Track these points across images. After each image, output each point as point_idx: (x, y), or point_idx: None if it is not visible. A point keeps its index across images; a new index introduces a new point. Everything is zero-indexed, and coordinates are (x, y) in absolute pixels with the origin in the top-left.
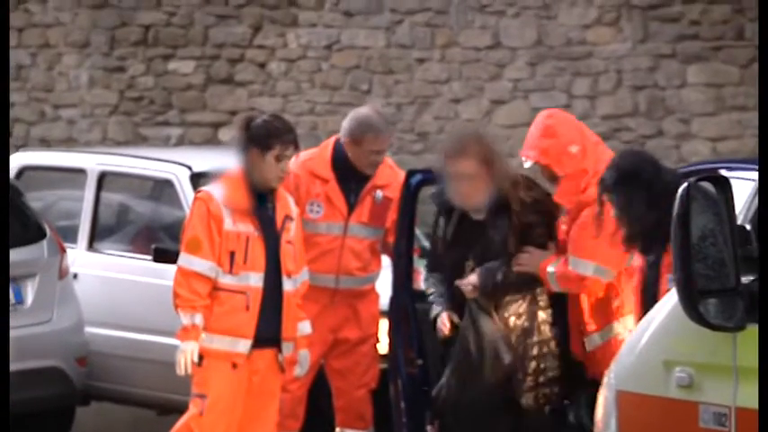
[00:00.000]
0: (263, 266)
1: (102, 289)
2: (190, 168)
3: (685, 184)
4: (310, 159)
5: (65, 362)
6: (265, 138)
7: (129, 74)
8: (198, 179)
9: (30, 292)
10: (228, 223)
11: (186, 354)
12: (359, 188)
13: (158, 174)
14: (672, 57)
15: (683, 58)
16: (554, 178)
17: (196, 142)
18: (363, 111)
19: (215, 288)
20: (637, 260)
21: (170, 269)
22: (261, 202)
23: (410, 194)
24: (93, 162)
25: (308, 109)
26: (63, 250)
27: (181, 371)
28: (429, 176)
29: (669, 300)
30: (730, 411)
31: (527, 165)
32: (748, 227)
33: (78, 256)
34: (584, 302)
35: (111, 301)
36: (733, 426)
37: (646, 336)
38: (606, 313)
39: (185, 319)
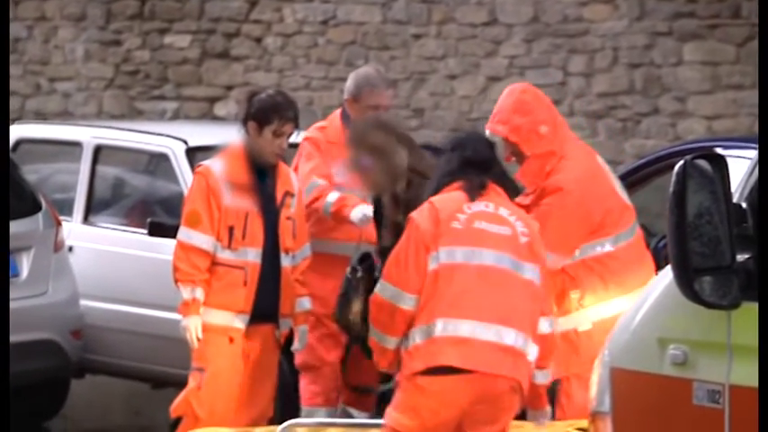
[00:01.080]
0: (261, 242)
1: (98, 262)
2: (185, 142)
3: (682, 162)
4: (324, 128)
5: (60, 335)
6: (265, 112)
7: (124, 47)
8: (193, 153)
9: (25, 264)
10: (228, 198)
11: (191, 329)
12: None
13: (154, 148)
14: (668, 35)
15: (680, 36)
16: (518, 156)
17: (192, 116)
18: (362, 69)
19: (213, 263)
20: (603, 249)
21: (165, 243)
22: (261, 177)
23: None
24: (88, 135)
25: (303, 84)
26: (58, 223)
27: (194, 345)
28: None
29: (664, 277)
30: (724, 389)
31: (495, 139)
32: (744, 205)
33: (74, 229)
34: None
35: (106, 274)
36: (726, 403)
37: (640, 313)
38: (561, 304)
39: (186, 293)
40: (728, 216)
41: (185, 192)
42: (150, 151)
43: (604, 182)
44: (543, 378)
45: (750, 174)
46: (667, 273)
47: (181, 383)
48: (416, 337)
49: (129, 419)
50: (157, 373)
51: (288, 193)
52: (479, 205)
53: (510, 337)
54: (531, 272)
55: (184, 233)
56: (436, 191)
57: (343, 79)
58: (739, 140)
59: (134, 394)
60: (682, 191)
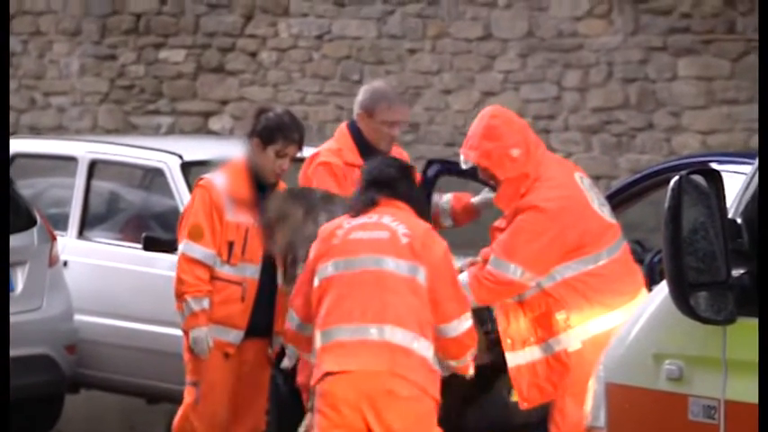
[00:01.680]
0: (260, 258)
1: (92, 277)
2: (180, 157)
3: (677, 177)
4: (340, 150)
5: (54, 349)
6: (270, 131)
7: (119, 62)
8: (189, 168)
9: (20, 279)
10: (229, 213)
11: (203, 340)
12: None
13: (149, 162)
14: (663, 50)
15: (674, 51)
16: (493, 180)
17: (186, 131)
18: (375, 83)
19: (211, 277)
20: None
21: (160, 257)
22: (261, 193)
23: (428, 184)
24: (83, 150)
25: (298, 99)
26: (53, 238)
27: (205, 356)
28: (446, 168)
29: (659, 293)
30: (719, 404)
31: (466, 165)
32: (739, 220)
33: (68, 244)
34: (521, 317)
35: (100, 289)
36: (722, 418)
37: (636, 328)
38: (548, 326)
39: (194, 305)
40: (724, 231)
41: (180, 207)
42: (145, 166)
43: (581, 203)
44: (461, 362)
45: (745, 189)
46: (663, 288)
47: (175, 398)
48: (313, 356)
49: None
50: (152, 387)
51: None
52: (362, 219)
53: (384, 332)
54: (411, 270)
55: (188, 246)
56: (348, 211)
57: (339, 94)
58: (734, 155)
59: (129, 409)
60: (677, 206)
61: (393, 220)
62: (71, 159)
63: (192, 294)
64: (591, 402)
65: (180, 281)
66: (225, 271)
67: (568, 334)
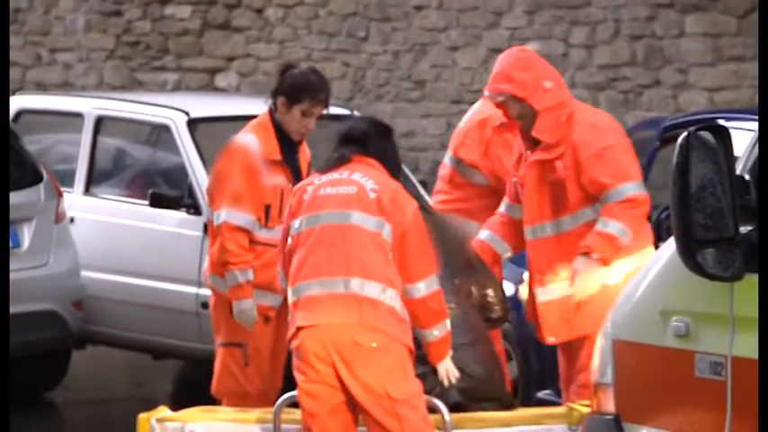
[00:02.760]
0: None
1: (99, 233)
2: (187, 114)
3: (685, 134)
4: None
5: (61, 305)
6: (296, 90)
7: (125, 18)
8: (195, 124)
9: (26, 235)
10: (264, 175)
11: (248, 312)
12: None
13: (155, 119)
14: (670, 6)
15: (681, 8)
16: (525, 114)
17: (192, 88)
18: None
19: (251, 242)
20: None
21: (166, 214)
22: (290, 152)
23: None
24: (89, 106)
25: (304, 56)
26: (60, 194)
27: (252, 328)
28: None
29: (667, 249)
30: (726, 361)
31: (500, 98)
32: (747, 177)
33: (75, 200)
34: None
35: (107, 245)
36: (729, 375)
37: (643, 285)
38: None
39: (240, 276)
40: (731, 188)
41: (187, 163)
42: (152, 122)
43: None
44: (431, 337)
45: (753, 145)
46: (670, 245)
47: (181, 354)
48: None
49: (131, 390)
50: (158, 343)
51: (309, 166)
52: (333, 174)
53: (350, 285)
54: (377, 225)
55: (230, 214)
56: (323, 167)
57: (345, 51)
58: (741, 112)
59: (135, 365)
60: (685, 163)
61: (362, 176)
62: (77, 115)
63: (238, 266)
64: (598, 359)
65: (224, 250)
66: (263, 234)
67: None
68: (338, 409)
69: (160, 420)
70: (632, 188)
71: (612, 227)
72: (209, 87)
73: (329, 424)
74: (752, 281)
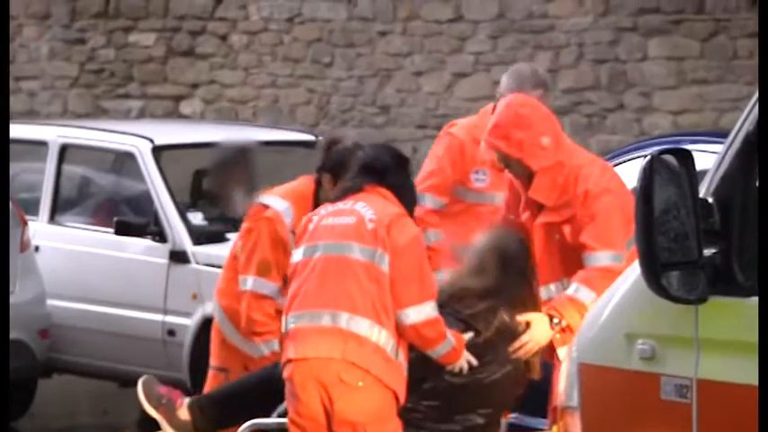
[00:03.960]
0: None
1: (64, 261)
2: (152, 141)
3: (648, 157)
4: (474, 126)
5: (27, 334)
6: (341, 166)
7: (89, 46)
8: (160, 152)
9: None
10: (293, 247)
11: None
12: None
13: (120, 146)
14: (633, 30)
15: (644, 32)
16: (521, 172)
17: (157, 115)
18: (524, 66)
19: (276, 310)
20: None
21: (132, 242)
22: None
23: None
24: (54, 134)
25: (269, 82)
26: (24, 223)
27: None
28: None
29: (631, 273)
30: (692, 383)
31: (489, 156)
32: (710, 200)
33: (40, 229)
34: None
35: (72, 273)
36: (694, 397)
37: (608, 308)
38: None
39: (265, 349)
40: (695, 211)
41: (152, 190)
42: (116, 150)
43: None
44: (435, 355)
45: (716, 168)
46: (635, 268)
47: None
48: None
49: (97, 418)
50: (125, 371)
51: None
52: (338, 205)
53: (337, 319)
54: (372, 256)
55: (258, 283)
56: (337, 196)
57: (310, 77)
58: (705, 135)
59: (102, 393)
60: (648, 186)
61: (365, 205)
62: (42, 144)
63: (264, 337)
64: (564, 382)
65: (250, 320)
66: (281, 302)
67: None
68: None
69: None
70: (612, 258)
71: (585, 295)
72: (174, 114)
73: None
74: (716, 303)
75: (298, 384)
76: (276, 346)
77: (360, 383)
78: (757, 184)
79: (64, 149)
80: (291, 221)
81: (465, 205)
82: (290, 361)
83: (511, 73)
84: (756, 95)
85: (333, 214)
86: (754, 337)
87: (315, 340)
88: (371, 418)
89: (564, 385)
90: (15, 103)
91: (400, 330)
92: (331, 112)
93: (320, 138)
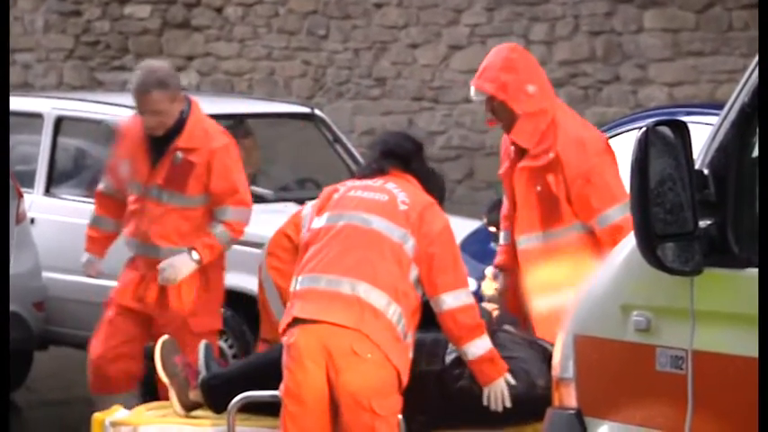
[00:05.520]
0: None
1: (60, 234)
2: None
3: (644, 129)
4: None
5: (22, 307)
6: None
7: (84, 18)
8: None
9: None
10: None
11: None
12: (163, 148)
13: (115, 118)
14: (628, 2)
15: (640, 3)
16: (505, 116)
17: None
18: (144, 63)
19: None
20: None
21: None
22: None
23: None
24: (49, 107)
25: (264, 54)
26: (20, 195)
27: None
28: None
29: (627, 244)
30: (687, 354)
31: (477, 97)
32: (706, 171)
33: (35, 201)
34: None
35: (68, 245)
36: (689, 369)
37: (603, 280)
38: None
39: None
40: (691, 182)
41: None
42: (112, 122)
43: None
44: (469, 355)
45: (712, 139)
46: (630, 240)
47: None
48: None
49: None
50: None
51: None
52: (367, 181)
53: (359, 288)
54: (401, 237)
55: None
56: (358, 175)
57: (305, 49)
58: (700, 107)
59: None
60: (644, 158)
61: (396, 187)
62: (37, 116)
63: None
64: (559, 354)
65: None
66: None
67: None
68: (321, 411)
69: (114, 424)
70: (620, 212)
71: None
72: None
73: (309, 424)
74: (711, 275)
75: (304, 351)
76: None
77: (369, 356)
78: (755, 156)
79: (59, 122)
80: None
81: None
82: (296, 321)
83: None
84: (752, 67)
85: (362, 188)
86: (749, 308)
87: (330, 304)
88: (376, 392)
89: (559, 357)
90: (10, 75)
91: (439, 319)
92: (327, 85)
93: (316, 110)
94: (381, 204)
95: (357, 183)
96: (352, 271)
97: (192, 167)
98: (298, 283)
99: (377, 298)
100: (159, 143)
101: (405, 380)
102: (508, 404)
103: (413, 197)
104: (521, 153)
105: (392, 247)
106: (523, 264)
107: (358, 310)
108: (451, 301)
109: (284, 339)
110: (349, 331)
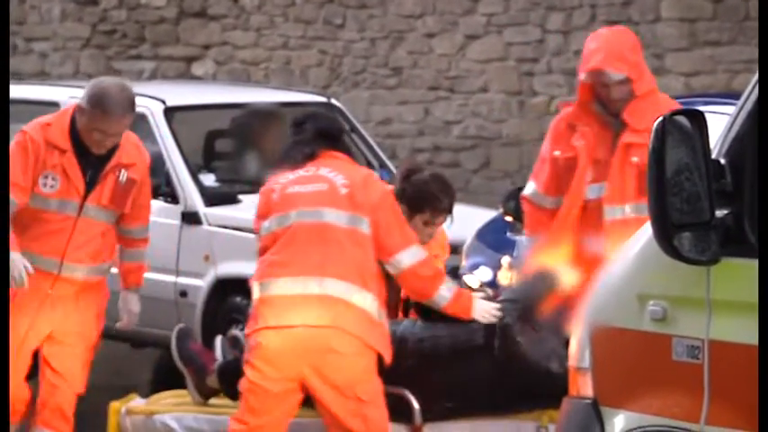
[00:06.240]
0: None
1: None
2: (164, 102)
3: (661, 118)
4: (48, 125)
5: None
6: (418, 201)
7: (101, 7)
8: (172, 113)
9: None
10: None
11: None
12: (100, 165)
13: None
14: None
15: None
16: (625, 96)
17: (169, 76)
18: (106, 82)
19: None
20: None
21: None
22: None
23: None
24: (66, 95)
25: (281, 43)
26: None
27: None
28: None
29: (643, 234)
30: (703, 344)
31: (617, 78)
32: (723, 161)
33: None
34: None
35: None
36: (706, 358)
37: (620, 269)
38: None
39: None
40: (707, 172)
41: (164, 152)
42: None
43: None
44: (442, 301)
45: (728, 129)
46: (647, 229)
47: (160, 343)
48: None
49: (110, 379)
50: (137, 332)
51: None
52: (299, 172)
53: (326, 285)
54: (352, 221)
55: None
56: (283, 159)
57: (322, 38)
58: (717, 96)
59: (114, 354)
60: (661, 147)
61: (330, 170)
62: (53, 105)
63: None
64: (575, 343)
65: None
66: None
67: None
68: (284, 400)
69: (130, 412)
70: None
71: None
72: (186, 76)
73: (268, 421)
74: (728, 264)
75: (275, 352)
76: None
77: (349, 349)
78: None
79: None
80: None
81: (32, 210)
82: (267, 328)
83: (98, 89)
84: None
85: (298, 182)
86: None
87: (301, 307)
88: (358, 381)
89: (575, 346)
90: (27, 63)
91: (400, 280)
92: (343, 74)
93: (332, 100)
94: (324, 194)
95: (290, 176)
96: (317, 269)
97: (134, 184)
98: (261, 289)
99: (344, 290)
100: (91, 159)
101: (387, 357)
102: (497, 313)
103: (349, 176)
104: (611, 127)
105: (347, 234)
106: (611, 234)
107: (331, 308)
108: (408, 258)
109: (252, 338)
110: (324, 330)
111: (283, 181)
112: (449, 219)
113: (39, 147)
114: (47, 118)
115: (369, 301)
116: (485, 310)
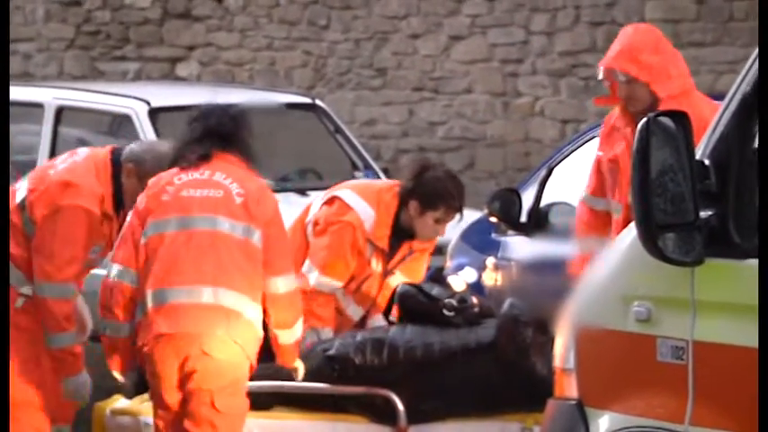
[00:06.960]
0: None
1: None
2: (148, 103)
3: (645, 119)
4: (103, 198)
5: None
6: (431, 198)
7: (85, 8)
8: (156, 114)
9: None
10: (366, 256)
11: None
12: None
13: (116, 109)
14: None
15: None
16: (645, 98)
17: (153, 77)
18: (158, 145)
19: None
20: None
21: None
22: (396, 243)
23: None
24: (50, 96)
25: (265, 44)
26: None
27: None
28: None
29: (627, 234)
30: (687, 345)
31: (622, 79)
32: (707, 162)
33: None
34: None
35: None
36: (690, 359)
37: (604, 270)
38: None
39: (314, 335)
40: (692, 173)
41: None
42: (113, 112)
43: None
44: (287, 338)
45: (713, 130)
46: (631, 230)
47: None
48: (139, 312)
49: (96, 381)
50: None
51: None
52: (194, 174)
53: (219, 295)
54: (245, 232)
55: (321, 281)
56: (176, 159)
57: (306, 39)
58: None
59: (101, 356)
60: (645, 148)
61: (226, 177)
62: (38, 106)
63: (322, 323)
64: (560, 344)
65: (310, 313)
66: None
67: None
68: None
69: (115, 413)
70: None
71: None
72: (170, 77)
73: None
74: (712, 265)
75: (159, 361)
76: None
77: (224, 357)
78: (755, 146)
79: (60, 111)
80: (371, 229)
81: None
82: (160, 336)
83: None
84: (753, 57)
85: (192, 185)
86: (750, 298)
87: (195, 316)
88: (220, 390)
89: (560, 347)
90: (11, 65)
91: (273, 301)
92: (327, 75)
93: (316, 101)
94: (219, 202)
95: (184, 178)
96: (209, 278)
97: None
98: (154, 298)
99: (237, 301)
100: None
101: (254, 366)
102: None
103: (244, 185)
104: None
105: (239, 245)
106: None
107: (224, 317)
108: (288, 284)
109: (143, 349)
110: (203, 335)
111: (176, 182)
112: (457, 217)
113: (98, 221)
114: (94, 185)
115: (255, 314)
116: (298, 370)
